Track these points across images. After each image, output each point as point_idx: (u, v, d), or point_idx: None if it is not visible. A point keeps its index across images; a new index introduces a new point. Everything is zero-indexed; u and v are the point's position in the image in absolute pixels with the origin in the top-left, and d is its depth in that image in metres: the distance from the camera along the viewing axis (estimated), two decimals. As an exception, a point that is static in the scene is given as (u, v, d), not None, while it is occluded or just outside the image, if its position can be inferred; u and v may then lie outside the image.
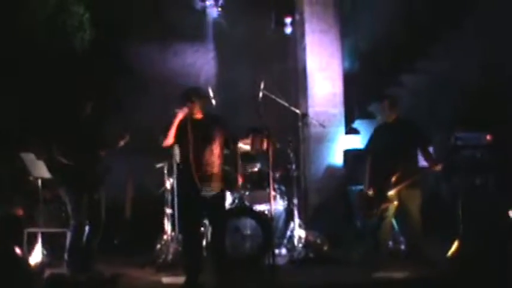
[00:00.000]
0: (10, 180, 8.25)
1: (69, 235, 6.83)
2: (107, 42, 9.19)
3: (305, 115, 8.20)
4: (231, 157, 7.25)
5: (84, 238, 6.83)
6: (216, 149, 6.40)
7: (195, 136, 6.27)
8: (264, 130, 6.77)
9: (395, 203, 7.13)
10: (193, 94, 6.42)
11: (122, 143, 7.06)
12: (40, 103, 8.41)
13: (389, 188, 7.08)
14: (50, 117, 7.49)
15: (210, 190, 6.33)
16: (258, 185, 7.85)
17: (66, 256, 6.82)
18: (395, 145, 7.14)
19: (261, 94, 7.61)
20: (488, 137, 8.49)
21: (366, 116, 9.92)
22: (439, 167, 7.12)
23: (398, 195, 7.13)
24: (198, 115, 6.43)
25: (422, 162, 7.35)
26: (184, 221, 6.58)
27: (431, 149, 7.34)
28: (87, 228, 6.84)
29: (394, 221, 7.50)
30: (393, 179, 7.08)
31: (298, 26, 9.40)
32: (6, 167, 8.16)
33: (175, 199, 7.35)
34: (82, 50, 8.89)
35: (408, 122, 7.38)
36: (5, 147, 8.22)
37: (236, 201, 7.60)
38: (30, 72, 8.67)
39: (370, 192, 7.21)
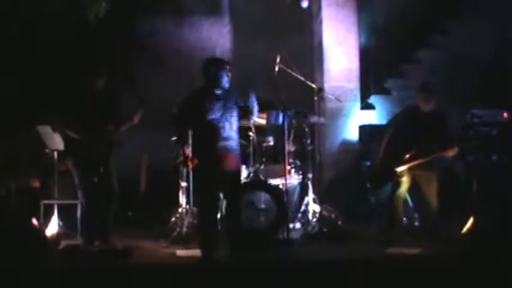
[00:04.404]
0: (27, 153, 8.30)
1: (78, 208, 6.88)
2: (122, 16, 9.15)
3: (321, 89, 8.17)
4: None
5: (98, 211, 6.89)
6: (234, 122, 6.35)
7: (213, 110, 6.23)
8: (280, 104, 6.76)
9: (405, 179, 7.13)
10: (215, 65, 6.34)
11: (136, 119, 7.06)
12: (54, 76, 8.42)
13: (401, 164, 7.07)
14: (61, 91, 7.51)
15: (229, 167, 6.32)
16: (273, 159, 7.85)
17: (79, 229, 6.88)
18: (422, 133, 7.10)
19: (276, 68, 7.60)
20: (505, 114, 8.43)
21: (382, 91, 9.87)
22: (454, 151, 7.07)
23: (412, 175, 7.13)
24: (219, 89, 6.34)
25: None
26: (202, 195, 6.53)
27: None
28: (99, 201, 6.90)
29: (408, 197, 7.51)
30: (406, 156, 7.08)
31: (315, -1, 9.34)
32: (23, 140, 8.20)
33: (192, 172, 7.40)
34: (96, 23, 8.86)
35: (440, 115, 7.26)
36: (22, 120, 8.25)
37: (251, 175, 7.61)
38: (46, 45, 8.68)
39: (378, 165, 7.23)
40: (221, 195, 6.90)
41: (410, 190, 7.34)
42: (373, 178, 7.49)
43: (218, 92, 6.32)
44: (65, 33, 8.62)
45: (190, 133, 6.73)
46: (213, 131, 6.21)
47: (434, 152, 7.13)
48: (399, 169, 7.11)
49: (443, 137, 7.17)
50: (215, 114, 6.23)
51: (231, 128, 6.29)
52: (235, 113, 6.36)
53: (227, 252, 6.45)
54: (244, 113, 6.45)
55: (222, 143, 6.24)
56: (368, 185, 7.80)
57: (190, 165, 6.29)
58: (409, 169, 7.12)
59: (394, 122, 7.56)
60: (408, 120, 7.31)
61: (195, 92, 6.42)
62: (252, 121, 6.70)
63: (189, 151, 6.35)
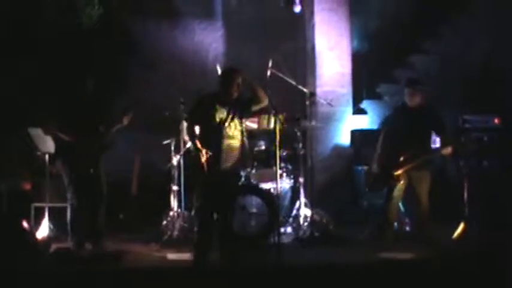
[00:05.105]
0: (18, 155, 8.28)
1: (68, 211, 6.87)
2: (115, 19, 9.15)
3: (313, 94, 8.17)
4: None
5: (88, 213, 6.87)
6: (239, 124, 6.57)
7: (221, 112, 6.48)
8: (271, 109, 6.78)
9: (402, 182, 7.13)
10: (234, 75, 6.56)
11: (125, 121, 7.06)
12: (47, 79, 8.42)
13: (397, 167, 7.08)
14: (53, 93, 7.52)
15: (230, 164, 6.47)
16: (265, 163, 7.85)
17: (69, 231, 6.87)
18: (413, 129, 7.11)
19: (269, 72, 7.61)
20: (496, 120, 8.46)
21: (374, 96, 9.88)
22: (448, 150, 7.08)
23: (408, 176, 7.12)
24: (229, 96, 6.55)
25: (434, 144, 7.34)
26: (203, 195, 6.54)
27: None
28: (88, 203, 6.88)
29: (400, 202, 7.50)
30: (402, 158, 7.07)
31: (308, 4, 9.32)
32: (15, 142, 8.18)
33: (183, 174, 7.42)
34: (90, 26, 8.86)
35: (428, 109, 7.29)
36: (13, 122, 8.23)
37: (243, 179, 7.60)
38: (39, 47, 8.68)
39: (376, 168, 7.22)
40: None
41: (404, 195, 7.33)
42: (373, 181, 7.44)
43: (228, 97, 6.53)
44: (58, 36, 8.62)
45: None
46: (219, 131, 6.44)
47: (429, 151, 7.13)
48: (396, 173, 7.11)
49: (439, 131, 7.19)
50: (223, 115, 6.46)
51: (236, 128, 6.53)
52: (241, 116, 6.60)
53: (217, 254, 6.47)
54: (250, 104, 6.63)
55: (226, 141, 6.44)
56: (367, 189, 7.78)
57: (205, 156, 6.38)
58: (406, 172, 7.11)
59: (386, 123, 7.55)
60: (399, 118, 7.33)
61: (207, 95, 6.65)
62: (260, 105, 6.71)
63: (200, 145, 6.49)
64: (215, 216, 6.62)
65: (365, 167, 8.25)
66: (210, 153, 6.36)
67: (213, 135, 6.44)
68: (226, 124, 6.46)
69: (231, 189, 6.70)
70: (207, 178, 6.41)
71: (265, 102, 6.62)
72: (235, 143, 6.53)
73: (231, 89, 6.50)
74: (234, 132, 6.52)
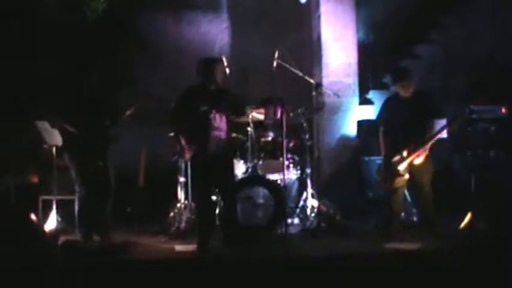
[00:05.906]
0: (25, 148, 8.31)
1: (76, 204, 6.90)
2: (120, 12, 9.16)
3: (319, 85, 8.15)
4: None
5: (96, 205, 6.90)
6: (224, 115, 6.68)
7: (205, 102, 6.59)
8: (278, 99, 6.79)
9: (407, 176, 7.12)
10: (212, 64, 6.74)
11: (128, 113, 7.08)
12: (53, 73, 8.44)
13: (401, 161, 7.06)
14: (58, 86, 7.55)
15: (220, 151, 6.60)
16: (271, 154, 7.85)
17: (77, 223, 6.90)
18: (407, 118, 7.08)
19: (275, 63, 7.61)
20: (503, 110, 8.42)
21: (380, 86, 9.87)
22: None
23: (410, 166, 7.11)
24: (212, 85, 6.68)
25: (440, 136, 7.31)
26: (198, 187, 6.70)
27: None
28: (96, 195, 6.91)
29: (406, 193, 7.50)
30: (404, 153, 7.06)
31: (313, -5, 9.34)
32: (22, 135, 8.20)
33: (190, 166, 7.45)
34: (95, 19, 8.87)
35: (421, 94, 7.25)
36: (20, 115, 8.26)
37: (249, 170, 7.62)
38: (44, 41, 8.70)
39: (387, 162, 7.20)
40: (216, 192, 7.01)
41: (409, 185, 7.32)
42: (384, 181, 7.39)
43: (211, 87, 6.66)
44: (62, 30, 8.63)
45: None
46: (205, 121, 6.54)
47: (428, 138, 7.09)
48: (401, 168, 7.09)
49: (437, 114, 7.16)
50: (207, 106, 6.55)
51: (221, 119, 6.63)
52: (225, 107, 6.70)
53: (224, 246, 6.53)
54: (235, 108, 6.85)
55: (213, 132, 6.57)
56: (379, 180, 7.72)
57: (187, 155, 6.60)
58: (410, 164, 7.10)
59: (381, 118, 7.50)
60: (394, 112, 7.30)
61: (191, 87, 6.79)
62: (243, 116, 6.91)
63: (184, 141, 6.65)
64: (219, 206, 6.69)
65: (371, 158, 8.26)
66: (192, 150, 6.55)
67: (199, 126, 6.56)
68: (211, 115, 6.56)
69: (227, 179, 6.78)
70: (199, 165, 6.62)
71: (242, 118, 6.96)
72: (222, 134, 6.65)
73: (212, 78, 6.64)
74: (220, 124, 6.63)
